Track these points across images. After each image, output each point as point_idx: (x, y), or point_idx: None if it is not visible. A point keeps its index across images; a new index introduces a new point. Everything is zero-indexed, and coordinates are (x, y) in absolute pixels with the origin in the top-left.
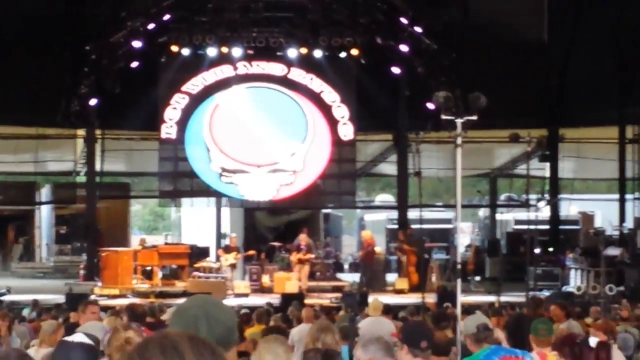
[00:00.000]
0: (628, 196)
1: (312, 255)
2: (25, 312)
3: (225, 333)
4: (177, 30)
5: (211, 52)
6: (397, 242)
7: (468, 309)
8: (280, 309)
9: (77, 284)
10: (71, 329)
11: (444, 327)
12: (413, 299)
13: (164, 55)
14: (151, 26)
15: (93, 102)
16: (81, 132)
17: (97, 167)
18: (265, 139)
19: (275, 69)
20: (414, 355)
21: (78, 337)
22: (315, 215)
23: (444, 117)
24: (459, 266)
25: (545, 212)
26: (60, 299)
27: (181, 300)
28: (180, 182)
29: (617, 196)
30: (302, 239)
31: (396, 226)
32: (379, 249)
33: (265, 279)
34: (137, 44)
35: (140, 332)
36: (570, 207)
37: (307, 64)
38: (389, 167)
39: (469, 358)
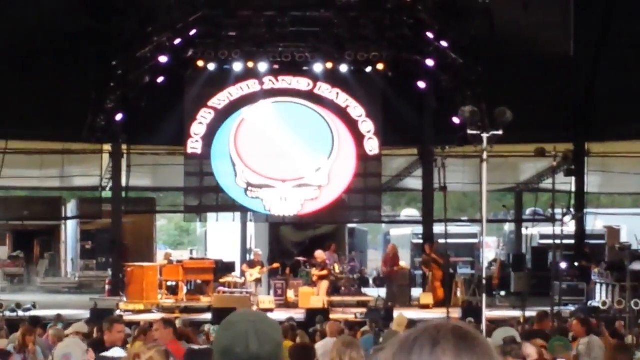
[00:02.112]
0: None
1: (325, 272)
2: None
3: (274, 350)
4: (203, 45)
5: (237, 67)
6: (424, 256)
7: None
8: (305, 324)
9: (102, 299)
10: (96, 345)
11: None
12: (438, 314)
13: (190, 70)
14: (177, 41)
15: (119, 117)
16: (107, 147)
17: (123, 182)
18: (291, 154)
19: (301, 83)
20: None
21: (116, 353)
22: (340, 230)
23: (470, 131)
24: (484, 281)
25: (571, 226)
26: (86, 314)
27: (206, 315)
28: (206, 197)
29: None
30: (318, 256)
31: (421, 241)
32: (404, 263)
33: (290, 294)
34: (163, 59)
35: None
36: (596, 222)
37: (333, 78)
38: (415, 182)
39: None
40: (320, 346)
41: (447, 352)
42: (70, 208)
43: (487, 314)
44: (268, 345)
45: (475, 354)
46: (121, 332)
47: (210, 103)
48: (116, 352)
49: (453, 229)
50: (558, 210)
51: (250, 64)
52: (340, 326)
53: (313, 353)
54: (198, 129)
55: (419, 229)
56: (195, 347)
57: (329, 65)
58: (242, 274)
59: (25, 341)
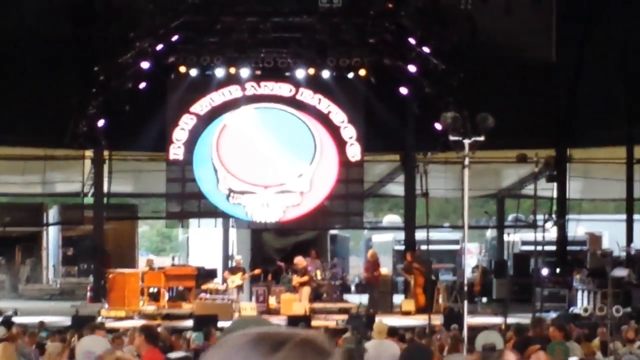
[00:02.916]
0: (636, 217)
1: (306, 278)
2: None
3: None
4: (185, 51)
5: (219, 72)
6: (405, 263)
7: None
8: None
9: (84, 306)
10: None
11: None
12: (420, 320)
13: (172, 76)
14: (159, 47)
15: (101, 123)
16: (89, 153)
17: (105, 188)
18: (273, 160)
19: (283, 89)
20: None
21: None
22: (322, 236)
23: (451, 137)
24: (465, 287)
25: (552, 232)
26: (67, 321)
27: (188, 322)
28: (188, 203)
29: (624, 217)
30: (297, 262)
31: (403, 247)
32: (386, 270)
33: (272, 301)
34: (145, 64)
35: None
36: (577, 228)
37: (315, 84)
38: (397, 188)
39: None
40: None
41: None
42: (52, 214)
43: (469, 320)
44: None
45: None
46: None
47: (192, 109)
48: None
49: (435, 235)
50: (540, 217)
51: (233, 70)
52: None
53: None
54: (180, 134)
55: (401, 235)
56: (173, 355)
57: (311, 71)
58: (224, 280)
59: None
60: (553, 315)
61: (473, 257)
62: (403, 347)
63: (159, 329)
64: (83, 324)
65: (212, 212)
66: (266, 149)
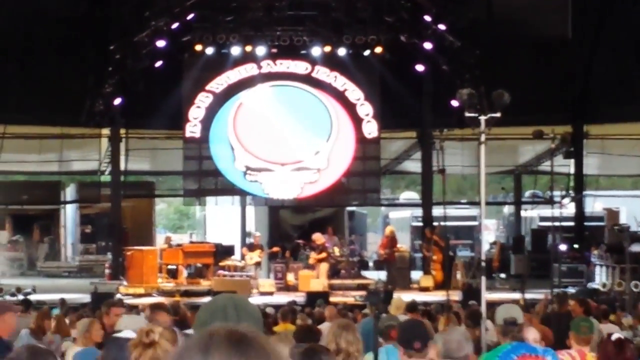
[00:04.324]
0: None
1: (324, 255)
2: (55, 312)
3: (252, 324)
4: (201, 30)
5: (235, 50)
6: (425, 240)
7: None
8: (306, 307)
9: (103, 283)
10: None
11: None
12: (438, 296)
13: (188, 54)
14: (175, 25)
15: (117, 101)
16: (105, 131)
17: (122, 166)
18: (290, 138)
19: (299, 67)
20: (409, 356)
21: (127, 334)
22: (339, 213)
23: (467, 114)
24: (483, 263)
25: (570, 208)
26: (86, 298)
27: (206, 299)
28: (205, 180)
29: None
30: (316, 238)
31: (421, 224)
32: (404, 246)
33: (290, 277)
34: (161, 43)
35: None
36: (595, 204)
37: (331, 62)
38: (413, 165)
39: (488, 354)
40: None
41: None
42: (69, 192)
43: (487, 296)
44: (246, 320)
45: (249, 357)
46: (118, 316)
47: (208, 87)
48: (127, 333)
49: (452, 211)
50: (557, 193)
51: (248, 48)
52: (341, 310)
53: (319, 335)
54: (196, 112)
55: (419, 211)
56: (190, 331)
57: (327, 48)
58: (242, 257)
59: (43, 326)
60: (572, 290)
61: (491, 233)
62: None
63: (181, 305)
64: (102, 301)
65: (229, 189)
66: (283, 127)
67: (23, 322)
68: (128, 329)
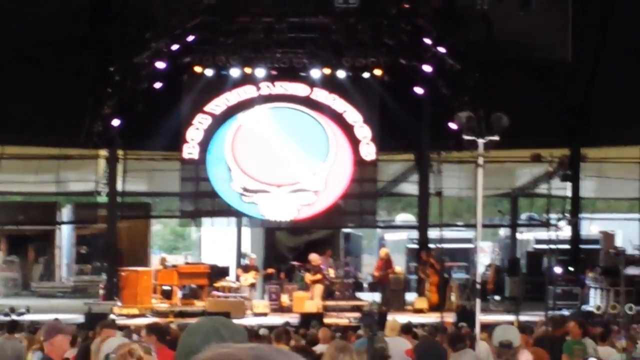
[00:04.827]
0: None
1: (319, 276)
2: None
3: (244, 339)
4: (201, 51)
5: (234, 72)
6: (421, 262)
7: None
8: (300, 329)
9: (97, 304)
10: (86, 349)
11: (460, 349)
12: (432, 318)
13: (187, 76)
14: (175, 47)
15: (116, 122)
16: (103, 152)
17: (119, 187)
18: (287, 159)
19: (299, 89)
20: None
21: None
22: (335, 235)
23: (466, 137)
24: (478, 286)
25: (566, 231)
26: (80, 318)
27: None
28: (202, 202)
29: (638, 216)
30: (312, 259)
31: (416, 246)
32: (399, 268)
33: (285, 299)
34: (160, 64)
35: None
36: (591, 227)
37: (330, 84)
38: (410, 187)
39: None
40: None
41: None
42: (66, 213)
43: (481, 318)
44: (239, 336)
45: None
46: (108, 337)
47: (207, 108)
48: None
49: (448, 233)
50: (553, 215)
51: (248, 70)
52: (332, 332)
53: (313, 356)
54: (194, 134)
55: (415, 234)
56: None
57: (327, 71)
58: (237, 278)
59: None
60: (566, 313)
61: (486, 255)
62: (416, 344)
63: (172, 326)
64: (96, 322)
65: (226, 210)
66: (280, 148)
67: (8, 345)
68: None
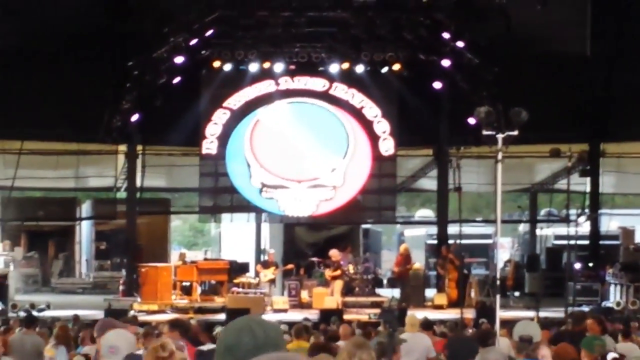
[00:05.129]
0: None
1: (339, 272)
2: None
3: (278, 335)
4: (220, 46)
5: (253, 67)
6: (441, 258)
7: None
8: (319, 325)
9: (117, 300)
10: None
11: (489, 345)
12: (452, 314)
13: (206, 71)
14: (194, 42)
15: (135, 117)
16: (122, 147)
17: (138, 182)
18: (306, 155)
19: (317, 84)
20: None
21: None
22: (354, 231)
23: (485, 132)
24: (498, 282)
25: (585, 227)
26: (100, 314)
27: (220, 316)
28: (221, 197)
29: None
30: (332, 255)
31: (435, 241)
32: (418, 264)
33: (304, 295)
34: (179, 59)
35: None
36: (610, 223)
37: (348, 79)
38: (429, 182)
39: None
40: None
41: None
42: (85, 209)
43: (501, 314)
44: (272, 332)
45: None
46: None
47: (225, 103)
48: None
49: (467, 229)
50: (573, 211)
51: (267, 65)
52: (353, 328)
53: (334, 352)
54: (213, 129)
55: (434, 229)
56: (204, 347)
57: (345, 65)
58: (256, 274)
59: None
60: (586, 309)
61: (505, 251)
62: (436, 340)
63: (192, 322)
64: (116, 318)
65: (245, 206)
66: (299, 144)
67: (27, 340)
68: (115, 344)
